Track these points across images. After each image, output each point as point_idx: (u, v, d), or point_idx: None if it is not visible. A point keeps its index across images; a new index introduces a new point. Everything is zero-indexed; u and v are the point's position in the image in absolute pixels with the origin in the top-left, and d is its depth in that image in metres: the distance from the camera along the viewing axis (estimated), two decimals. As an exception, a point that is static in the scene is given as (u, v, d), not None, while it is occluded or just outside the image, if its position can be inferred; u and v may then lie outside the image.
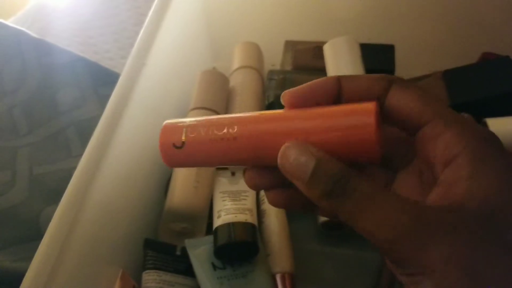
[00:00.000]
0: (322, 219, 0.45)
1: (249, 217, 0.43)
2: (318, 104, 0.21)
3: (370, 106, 0.20)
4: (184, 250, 0.43)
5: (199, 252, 0.42)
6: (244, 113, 0.24)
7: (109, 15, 0.76)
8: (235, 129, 0.23)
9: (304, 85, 0.22)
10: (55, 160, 0.52)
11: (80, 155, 0.37)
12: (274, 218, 0.45)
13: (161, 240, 0.46)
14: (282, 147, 0.20)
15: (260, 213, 0.46)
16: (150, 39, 0.47)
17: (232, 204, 0.43)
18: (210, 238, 0.43)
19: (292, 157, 0.20)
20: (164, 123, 0.25)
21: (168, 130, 0.25)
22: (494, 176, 0.18)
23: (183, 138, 0.24)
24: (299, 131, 0.21)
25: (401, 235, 0.17)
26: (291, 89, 0.22)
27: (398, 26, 0.58)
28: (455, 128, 0.19)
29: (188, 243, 0.43)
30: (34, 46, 0.59)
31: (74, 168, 0.36)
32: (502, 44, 0.54)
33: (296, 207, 0.24)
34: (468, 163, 0.18)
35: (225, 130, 0.23)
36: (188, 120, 0.25)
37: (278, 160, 0.20)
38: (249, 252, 0.42)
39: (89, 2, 0.79)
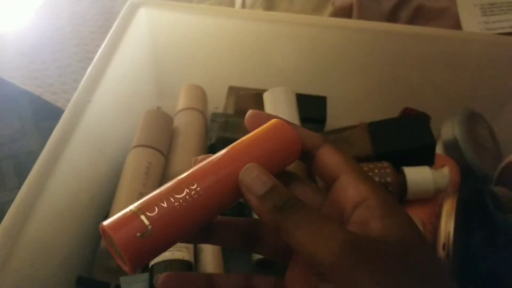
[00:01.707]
0: (257, 257, 0.47)
1: (186, 255, 0.44)
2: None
3: (277, 120, 0.25)
4: (118, 288, 0.43)
5: (134, 289, 0.42)
6: (188, 170, 0.23)
7: (55, 50, 0.75)
8: (195, 184, 0.22)
9: (264, 113, 0.26)
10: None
11: (15, 188, 0.36)
12: (211, 256, 0.46)
13: (95, 277, 0.45)
14: (246, 165, 0.22)
15: (196, 250, 0.46)
16: (98, 76, 0.49)
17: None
18: (146, 275, 0.43)
19: (255, 174, 0.22)
20: (106, 225, 0.21)
21: (118, 227, 0.20)
22: (403, 217, 0.21)
23: (146, 222, 0.20)
24: (246, 157, 0.23)
25: (334, 255, 0.19)
26: (252, 111, 0.26)
27: (331, 80, 0.63)
28: (365, 179, 0.23)
29: (122, 280, 0.42)
30: (-26, 76, 0.58)
31: (9, 201, 0.35)
32: (420, 101, 0.60)
33: (236, 243, 0.26)
34: (379, 205, 0.21)
35: (186, 190, 0.22)
36: (131, 206, 0.21)
37: (240, 174, 0.22)
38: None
39: (36, 34, 0.78)
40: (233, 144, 0.24)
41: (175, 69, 0.66)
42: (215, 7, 0.70)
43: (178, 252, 0.43)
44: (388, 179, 0.46)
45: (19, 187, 0.37)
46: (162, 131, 0.55)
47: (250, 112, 0.26)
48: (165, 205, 0.21)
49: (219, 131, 0.56)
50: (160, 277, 0.24)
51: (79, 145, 0.44)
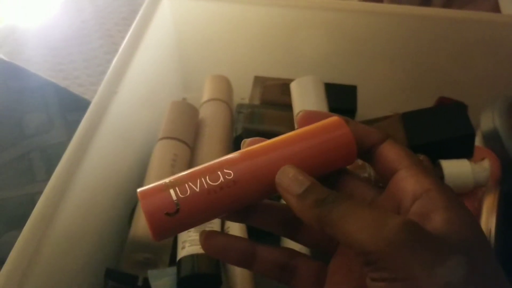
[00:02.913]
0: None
1: (214, 248, 0.43)
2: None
3: (337, 119, 0.23)
4: (146, 281, 0.42)
5: (162, 283, 0.42)
6: (228, 155, 0.23)
7: (81, 42, 0.76)
8: (232, 174, 0.22)
9: (321, 112, 0.25)
10: (18, 185, 0.51)
11: (44, 180, 0.36)
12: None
13: (122, 270, 0.45)
14: (282, 168, 0.22)
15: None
16: (123, 68, 0.48)
17: (197, 235, 0.44)
18: (173, 269, 0.42)
19: (291, 174, 0.22)
20: (139, 191, 0.21)
21: (151, 199, 0.21)
22: (466, 213, 0.20)
23: (176, 201, 0.21)
24: (290, 154, 0.22)
25: (386, 242, 0.18)
26: (306, 111, 0.25)
27: (361, 69, 0.61)
28: (426, 173, 0.22)
29: (150, 274, 0.42)
30: (2, 69, 0.58)
31: (38, 193, 0.35)
32: (457, 89, 0.57)
33: (276, 228, 0.26)
34: (442, 197, 0.20)
35: (221, 179, 0.21)
36: (167, 180, 0.22)
37: (276, 177, 0.22)
38: (212, 284, 0.42)
39: (61, 28, 0.79)
40: (280, 137, 0.23)
41: (200, 60, 0.65)
42: (240, -5, 0.68)
43: (206, 246, 0.43)
44: (425, 165, 0.44)
45: (47, 179, 0.37)
46: (187, 122, 0.54)
47: (303, 112, 0.25)
48: (197, 189, 0.21)
49: (245, 122, 0.55)
50: (205, 233, 0.24)
51: (106, 137, 0.44)
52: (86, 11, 0.83)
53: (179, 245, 0.43)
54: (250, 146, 0.23)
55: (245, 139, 0.24)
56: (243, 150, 0.23)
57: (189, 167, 0.52)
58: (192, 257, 0.42)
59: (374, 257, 0.18)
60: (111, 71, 0.48)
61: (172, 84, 0.66)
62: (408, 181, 0.22)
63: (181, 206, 0.21)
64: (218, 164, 0.22)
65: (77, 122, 0.42)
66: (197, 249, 0.42)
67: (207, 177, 0.21)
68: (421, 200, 0.21)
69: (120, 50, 0.50)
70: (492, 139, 0.51)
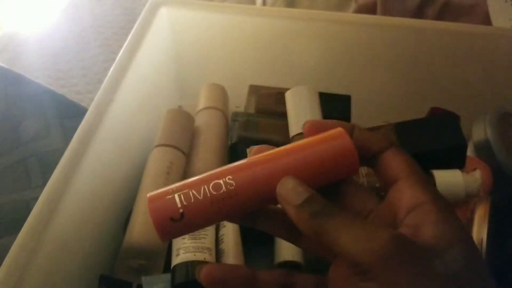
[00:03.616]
0: (279, 259, 0.46)
1: (208, 256, 0.43)
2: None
3: (339, 130, 0.24)
4: (140, 288, 0.42)
5: (155, 289, 0.42)
6: (229, 165, 0.23)
7: (79, 51, 0.76)
8: (233, 184, 0.22)
9: (327, 121, 0.25)
10: (14, 190, 0.51)
11: (40, 186, 0.37)
12: (232, 258, 0.46)
13: (117, 276, 0.45)
14: (283, 179, 0.23)
15: (218, 252, 0.46)
16: (120, 76, 0.49)
17: (191, 242, 0.44)
18: (167, 276, 0.43)
19: (290, 186, 0.22)
20: (148, 196, 0.23)
21: (158, 204, 0.22)
22: (458, 227, 0.21)
23: (180, 208, 0.22)
24: (291, 165, 0.23)
25: (376, 254, 0.19)
26: (313, 120, 0.25)
27: (355, 79, 0.61)
28: (424, 184, 0.22)
29: (144, 280, 0.42)
30: (1, 76, 0.59)
31: (34, 199, 0.36)
32: (449, 100, 0.58)
33: (282, 233, 0.27)
34: (434, 211, 0.21)
35: (224, 189, 0.22)
36: (173, 186, 0.23)
37: (277, 188, 0.23)
38: (206, 291, 0.42)
39: (60, 36, 0.79)
40: (283, 147, 0.24)
41: (196, 68, 0.66)
42: (236, 5, 0.69)
43: (200, 253, 0.43)
44: (426, 175, 0.44)
45: (43, 185, 0.37)
46: (183, 130, 0.55)
47: (309, 122, 0.25)
48: (200, 197, 0.22)
49: (240, 130, 0.55)
50: (202, 268, 0.24)
51: (102, 144, 0.44)
52: (85, 20, 0.84)
53: (174, 252, 0.44)
54: (257, 153, 0.24)
55: (252, 146, 0.25)
56: (246, 159, 0.24)
57: (185, 174, 0.52)
58: (187, 264, 0.42)
59: (365, 268, 0.19)
60: (108, 79, 0.48)
61: (168, 92, 0.66)
62: (405, 193, 0.22)
63: (185, 212, 0.22)
64: (221, 173, 0.23)
65: (74, 129, 0.42)
66: (191, 256, 0.42)
67: (211, 185, 0.22)
68: (414, 213, 0.21)
69: (117, 58, 0.50)
70: (484, 149, 0.52)
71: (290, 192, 0.22)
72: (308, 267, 0.46)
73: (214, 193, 0.22)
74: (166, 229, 0.22)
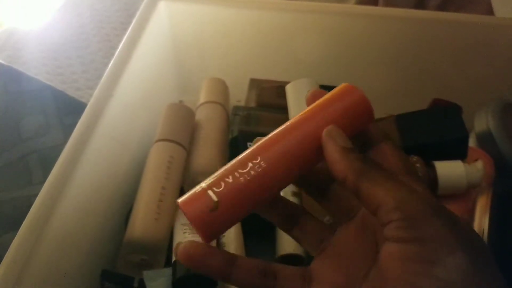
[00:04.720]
0: (281, 252, 0.46)
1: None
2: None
3: (346, 85, 0.25)
4: (142, 282, 0.42)
5: (157, 284, 0.42)
6: (253, 147, 0.23)
7: (79, 47, 0.76)
8: (259, 158, 0.22)
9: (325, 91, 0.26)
10: (15, 187, 0.51)
11: (41, 183, 0.37)
12: (233, 251, 0.46)
13: (118, 271, 0.45)
14: (328, 127, 0.23)
15: (219, 246, 0.46)
16: (119, 71, 0.49)
17: (192, 237, 0.44)
18: (169, 270, 0.43)
19: (339, 131, 0.23)
20: (179, 201, 0.23)
21: (190, 202, 0.22)
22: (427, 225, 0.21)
23: (214, 197, 0.22)
24: (314, 127, 0.23)
25: (415, 208, 0.20)
26: (314, 90, 0.26)
27: (356, 71, 0.61)
28: (393, 182, 0.22)
29: (146, 275, 0.42)
30: (1, 72, 0.59)
31: (34, 195, 0.36)
32: (451, 91, 0.57)
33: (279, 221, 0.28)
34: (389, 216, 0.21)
35: (250, 164, 0.22)
36: (203, 184, 0.23)
37: (324, 132, 0.23)
38: (207, 285, 0.42)
39: (59, 32, 0.79)
40: (297, 116, 0.24)
41: (196, 62, 0.65)
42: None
43: (201, 247, 0.43)
44: (418, 174, 0.44)
45: (44, 182, 0.37)
46: (184, 125, 0.55)
47: (311, 91, 0.26)
48: (230, 180, 0.22)
49: (241, 124, 0.55)
50: (181, 244, 0.24)
51: (102, 139, 0.44)
52: (85, 16, 0.83)
53: (174, 247, 0.44)
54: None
55: (258, 138, 0.25)
56: (264, 139, 0.24)
57: (185, 169, 0.52)
58: (188, 258, 0.42)
59: (400, 217, 0.20)
60: (107, 74, 0.48)
61: (169, 87, 0.66)
62: (375, 189, 0.22)
63: (220, 199, 0.22)
64: (245, 156, 0.23)
65: (74, 125, 0.42)
66: (192, 250, 0.42)
67: (237, 168, 0.22)
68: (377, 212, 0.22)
69: (117, 53, 0.50)
70: (486, 140, 0.51)
71: (339, 133, 0.23)
72: (309, 260, 0.46)
73: (242, 171, 0.22)
74: (207, 223, 0.22)
